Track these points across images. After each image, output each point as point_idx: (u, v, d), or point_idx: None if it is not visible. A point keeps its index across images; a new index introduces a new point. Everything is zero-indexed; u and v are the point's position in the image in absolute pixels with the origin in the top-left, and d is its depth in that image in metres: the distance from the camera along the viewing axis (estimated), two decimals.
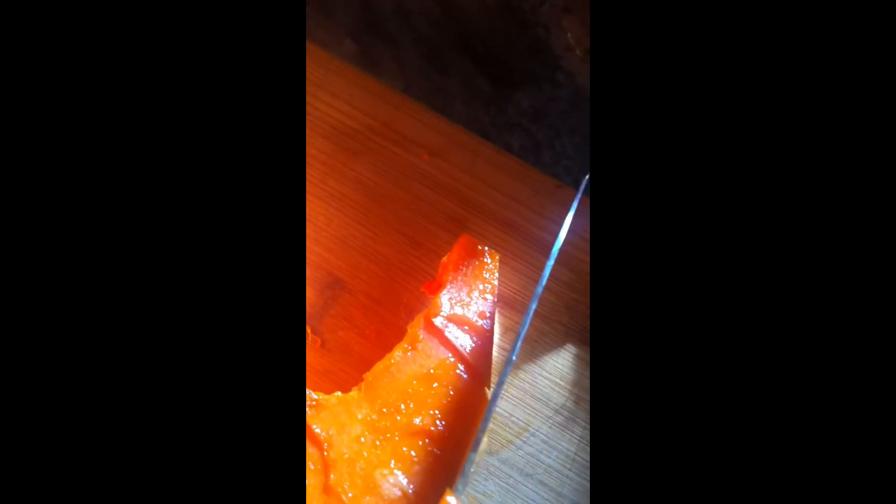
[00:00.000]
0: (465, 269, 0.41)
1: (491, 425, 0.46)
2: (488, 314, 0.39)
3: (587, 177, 0.44)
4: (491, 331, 0.38)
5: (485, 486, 0.45)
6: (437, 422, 0.33)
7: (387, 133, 0.53)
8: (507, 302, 0.49)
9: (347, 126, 0.53)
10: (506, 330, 0.48)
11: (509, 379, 0.47)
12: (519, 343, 0.36)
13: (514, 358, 0.35)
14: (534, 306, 0.36)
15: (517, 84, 0.54)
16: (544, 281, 0.37)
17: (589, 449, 0.45)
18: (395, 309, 0.48)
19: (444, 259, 0.42)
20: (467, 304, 0.39)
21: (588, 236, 0.50)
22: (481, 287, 0.40)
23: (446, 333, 0.37)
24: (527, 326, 0.37)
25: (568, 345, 0.47)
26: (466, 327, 0.38)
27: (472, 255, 0.41)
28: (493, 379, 0.42)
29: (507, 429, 0.46)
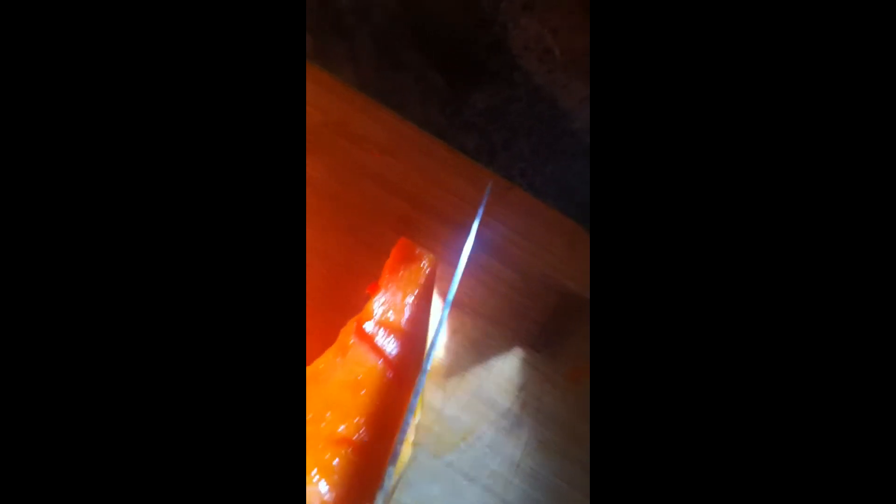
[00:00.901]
0: (400, 273, 0.40)
1: (437, 428, 0.45)
2: (421, 320, 0.38)
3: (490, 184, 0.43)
4: (423, 337, 0.38)
5: (429, 488, 0.44)
6: (361, 430, 0.33)
7: (339, 130, 0.52)
8: (457, 304, 0.48)
9: None
10: (454, 332, 0.48)
11: (456, 381, 0.46)
12: (432, 353, 0.36)
13: (427, 367, 0.35)
14: (446, 313, 0.36)
15: (474, 83, 0.53)
16: (454, 288, 0.36)
17: (534, 456, 0.44)
18: (341, 311, 0.48)
19: (386, 262, 0.41)
20: (400, 309, 0.38)
21: (532, 236, 0.49)
22: (416, 292, 0.39)
23: (376, 340, 0.37)
24: (437, 337, 0.37)
25: (515, 348, 0.47)
26: (397, 333, 0.38)
27: (409, 259, 0.40)
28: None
29: (453, 432, 0.45)
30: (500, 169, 0.53)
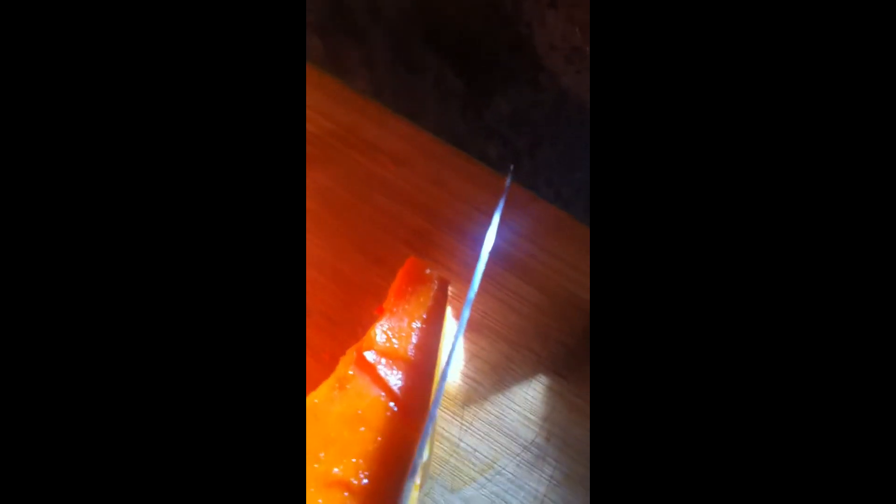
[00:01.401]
0: (407, 296, 0.36)
1: (453, 461, 0.42)
2: (430, 348, 0.34)
3: (511, 168, 0.38)
4: (432, 366, 0.34)
5: None
6: (360, 472, 0.29)
7: (349, 139, 0.49)
8: (475, 327, 0.44)
9: (307, 131, 0.50)
10: (472, 357, 0.44)
11: (474, 410, 0.43)
12: (443, 383, 0.32)
13: (439, 399, 0.31)
14: (460, 337, 0.32)
15: (495, 86, 0.50)
16: (468, 309, 0.33)
17: (559, 491, 0.41)
18: (352, 331, 0.45)
19: (392, 284, 0.38)
20: (407, 335, 0.35)
21: (557, 252, 0.45)
22: (425, 316, 0.36)
23: (378, 369, 0.33)
24: (449, 364, 0.33)
25: (539, 375, 0.43)
26: (402, 362, 0.34)
27: (417, 280, 0.37)
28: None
29: (471, 465, 0.42)
30: (525, 178, 0.49)
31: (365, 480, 0.30)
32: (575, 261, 0.46)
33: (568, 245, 0.46)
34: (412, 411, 0.33)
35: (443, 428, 0.43)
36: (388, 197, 0.48)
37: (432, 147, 0.49)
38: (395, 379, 0.33)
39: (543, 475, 0.42)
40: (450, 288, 0.40)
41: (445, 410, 0.43)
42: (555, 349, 0.44)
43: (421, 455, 0.32)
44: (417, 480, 0.34)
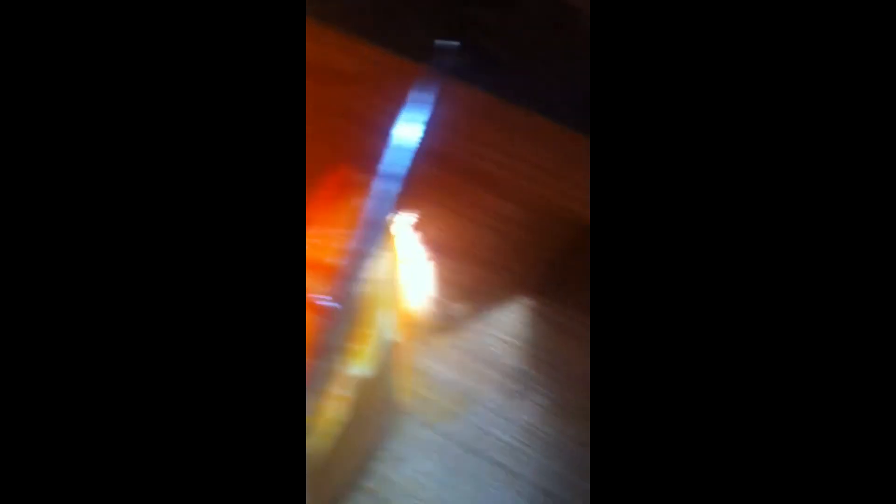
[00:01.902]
0: (334, 203, 0.34)
1: (427, 393, 0.38)
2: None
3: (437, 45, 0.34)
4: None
5: (424, 463, 0.37)
6: None
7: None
8: (442, 248, 0.41)
9: None
10: (443, 282, 0.40)
11: (448, 339, 0.39)
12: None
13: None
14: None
15: None
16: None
17: (549, 420, 0.37)
18: None
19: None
20: (326, 244, 0.32)
21: (532, 158, 0.42)
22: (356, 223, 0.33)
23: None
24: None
25: (519, 296, 0.39)
26: (329, 272, 0.31)
27: (345, 186, 0.34)
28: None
29: (448, 398, 0.38)
30: (498, 87, 0.46)
31: None
32: (546, 162, 0.42)
33: (537, 147, 0.43)
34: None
35: (417, 360, 0.39)
36: (343, 116, 0.44)
37: (384, 60, 0.46)
38: (313, 287, 0.30)
39: (535, 405, 0.38)
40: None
41: (419, 341, 0.39)
42: (535, 266, 0.40)
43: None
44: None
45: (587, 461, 0.37)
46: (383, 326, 0.33)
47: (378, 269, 0.33)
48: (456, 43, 0.33)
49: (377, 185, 0.31)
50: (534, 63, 0.46)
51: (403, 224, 0.39)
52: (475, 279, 0.40)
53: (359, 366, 0.32)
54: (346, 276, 0.30)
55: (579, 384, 0.38)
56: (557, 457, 0.37)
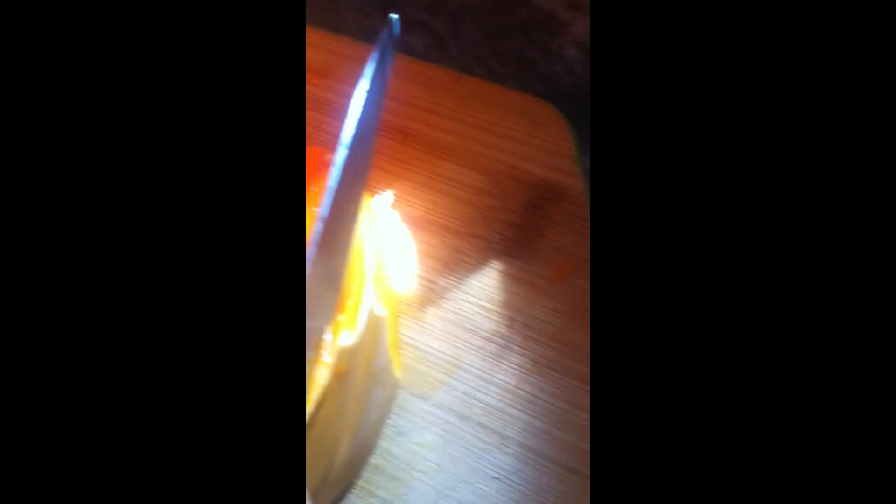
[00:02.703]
0: (308, 185, 0.34)
1: (419, 366, 0.40)
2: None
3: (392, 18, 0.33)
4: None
5: (422, 435, 0.39)
6: None
7: None
8: (419, 223, 0.42)
9: None
10: (423, 256, 0.41)
11: (433, 311, 0.40)
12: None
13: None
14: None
15: None
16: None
17: (530, 380, 0.37)
18: None
19: None
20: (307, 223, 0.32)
21: (489, 126, 0.42)
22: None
23: None
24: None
25: (491, 261, 0.40)
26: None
27: (319, 167, 0.34)
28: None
29: (436, 367, 0.39)
30: (455, 62, 0.46)
31: None
32: (507, 129, 0.42)
33: (499, 115, 0.42)
34: None
35: (404, 334, 0.41)
36: (318, 111, 0.46)
37: (354, 52, 0.47)
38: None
39: (511, 365, 0.38)
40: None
41: (405, 316, 0.41)
42: (503, 230, 0.41)
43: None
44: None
45: (567, 415, 0.37)
46: (368, 300, 0.34)
47: (358, 243, 0.34)
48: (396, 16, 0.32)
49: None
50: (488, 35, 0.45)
51: (377, 201, 0.40)
52: (450, 249, 0.41)
53: (348, 335, 0.33)
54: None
55: (553, 341, 0.38)
56: (539, 413, 0.37)
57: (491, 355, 0.39)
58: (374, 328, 0.36)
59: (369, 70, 0.30)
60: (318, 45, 0.47)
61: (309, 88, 0.46)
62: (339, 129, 0.44)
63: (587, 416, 0.36)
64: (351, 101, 0.30)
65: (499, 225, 0.40)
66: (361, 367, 0.35)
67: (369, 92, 0.30)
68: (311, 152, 0.36)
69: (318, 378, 0.31)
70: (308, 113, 0.45)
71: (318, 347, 0.30)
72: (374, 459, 0.39)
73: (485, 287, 0.40)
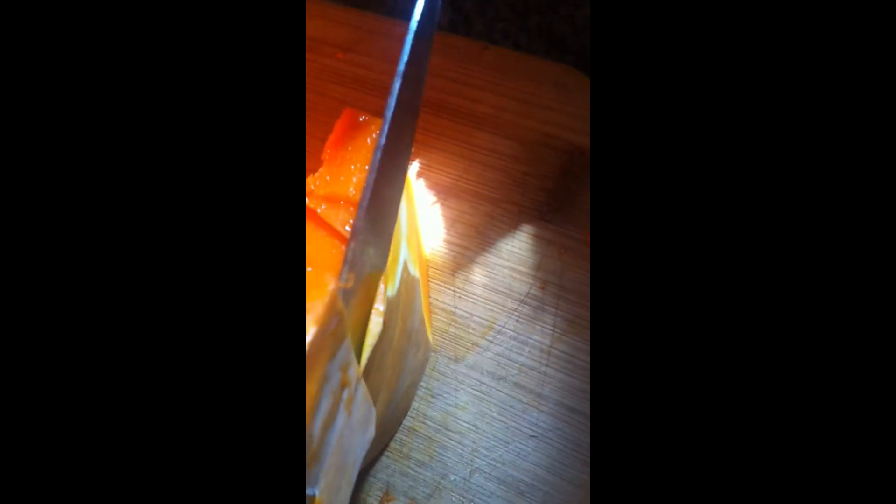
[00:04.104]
0: (346, 143, 0.34)
1: (452, 330, 0.40)
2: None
3: None
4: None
5: (456, 396, 0.39)
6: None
7: None
8: (449, 191, 0.42)
9: None
10: (454, 223, 0.42)
11: (465, 275, 0.41)
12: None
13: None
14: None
15: None
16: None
17: (565, 339, 0.38)
18: None
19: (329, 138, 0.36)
20: (346, 179, 0.33)
21: (520, 95, 0.42)
22: (367, 159, 0.34)
23: (319, 212, 0.31)
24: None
25: (522, 225, 0.41)
26: (343, 202, 0.32)
27: (354, 127, 0.35)
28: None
29: (471, 330, 0.40)
30: (481, 36, 0.47)
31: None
32: (540, 98, 0.43)
33: (530, 85, 0.43)
34: None
35: (436, 299, 0.41)
36: (343, 85, 0.46)
37: (378, 26, 0.47)
38: (338, 220, 0.31)
39: (546, 325, 0.39)
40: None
41: (436, 281, 0.41)
42: (535, 195, 0.41)
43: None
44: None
45: None
46: (403, 258, 0.34)
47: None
48: None
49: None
50: (515, 9, 0.46)
51: (411, 171, 0.41)
52: (483, 215, 0.42)
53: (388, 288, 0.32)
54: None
55: (586, 300, 0.39)
56: (574, 372, 0.38)
57: (525, 317, 0.40)
58: (408, 287, 0.36)
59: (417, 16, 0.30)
60: (342, 21, 0.47)
61: (332, 63, 0.46)
62: (362, 102, 0.44)
63: None
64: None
65: (532, 191, 0.41)
66: (398, 324, 0.35)
67: (418, 41, 0.30)
68: (346, 115, 0.36)
69: (373, 326, 0.31)
70: (331, 86, 0.46)
71: (374, 294, 0.31)
72: (409, 422, 0.40)
73: (517, 251, 0.41)
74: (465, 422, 0.39)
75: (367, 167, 0.33)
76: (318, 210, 0.31)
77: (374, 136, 0.34)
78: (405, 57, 0.28)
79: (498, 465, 0.37)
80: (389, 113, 0.27)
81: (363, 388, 0.28)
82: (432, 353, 0.40)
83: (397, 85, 0.28)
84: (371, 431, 0.30)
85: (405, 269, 0.35)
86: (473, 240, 0.41)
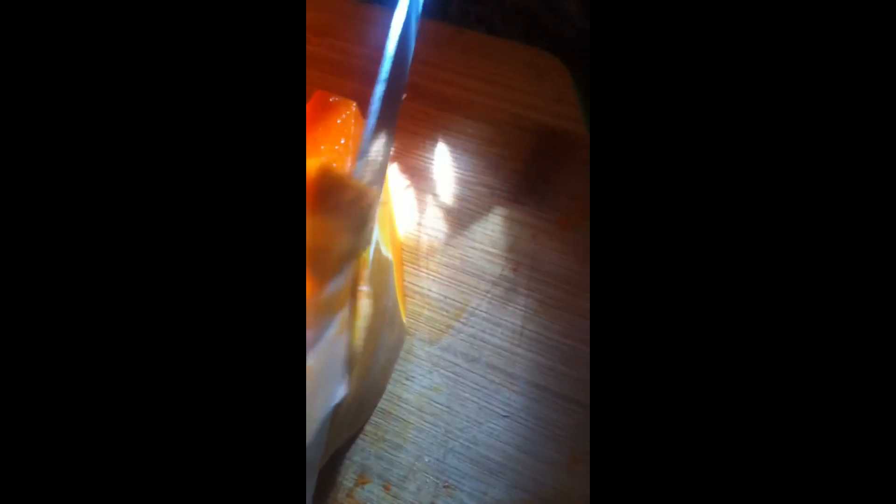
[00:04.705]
0: (315, 126, 0.35)
1: (427, 312, 0.40)
2: (349, 167, 0.32)
3: None
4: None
5: (430, 378, 0.39)
6: None
7: None
8: (422, 174, 0.42)
9: None
10: (426, 207, 0.42)
11: (438, 258, 0.41)
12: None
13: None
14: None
15: None
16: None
17: (536, 320, 0.38)
18: None
19: None
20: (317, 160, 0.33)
21: (491, 77, 0.43)
22: (342, 141, 0.34)
23: None
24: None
25: (495, 207, 0.41)
26: None
27: (324, 109, 0.35)
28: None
29: (445, 313, 0.40)
30: (455, 20, 0.47)
31: None
32: (512, 81, 0.43)
33: (502, 67, 0.43)
34: None
35: (410, 282, 0.41)
36: (320, 70, 0.46)
37: (352, 11, 0.47)
38: None
39: (518, 307, 0.39)
40: None
41: (410, 264, 0.41)
42: (509, 178, 0.41)
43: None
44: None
45: (575, 351, 0.38)
46: (377, 240, 0.35)
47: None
48: None
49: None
50: None
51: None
52: (456, 198, 0.42)
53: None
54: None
55: (560, 281, 0.39)
56: (544, 352, 0.38)
57: (497, 298, 0.40)
58: (381, 266, 0.36)
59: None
60: (317, 5, 0.47)
61: (308, 47, 0.46)
62: (337, 86, 0.44)
63: None
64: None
65: (505, 173, 0.41)
66: (372, 303, 0.35)
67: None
68: (316, 96, 0.36)
69: (363, 308, 0.31)
70: (317, 74, 0.46)
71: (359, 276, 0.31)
72: (384, 405, 0.40)
73: (490, 233, 0.41)
74: (439, 403, 0.39)
75: (338, 145, 0.33)
76: None
77: (344, 115, 0.34)
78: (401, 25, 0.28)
79: (471, 445, 0.37)
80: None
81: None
82: (407, 337, 0.40)
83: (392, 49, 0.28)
84: (340, 392, 0.30)
85: (377, 249, 0.35)
86: (446, 222, 0.41)
